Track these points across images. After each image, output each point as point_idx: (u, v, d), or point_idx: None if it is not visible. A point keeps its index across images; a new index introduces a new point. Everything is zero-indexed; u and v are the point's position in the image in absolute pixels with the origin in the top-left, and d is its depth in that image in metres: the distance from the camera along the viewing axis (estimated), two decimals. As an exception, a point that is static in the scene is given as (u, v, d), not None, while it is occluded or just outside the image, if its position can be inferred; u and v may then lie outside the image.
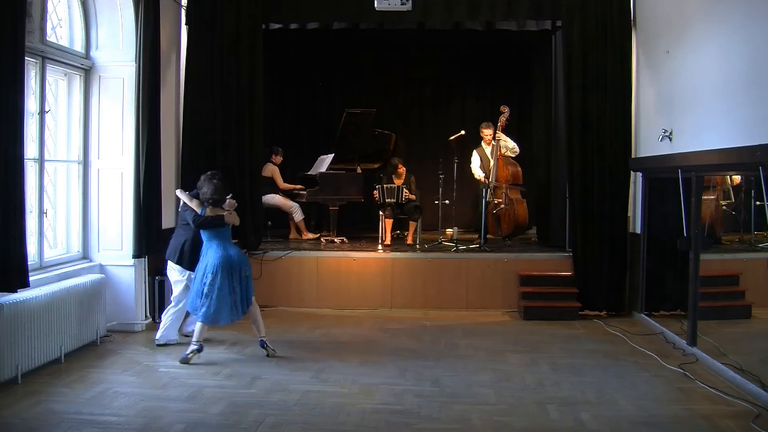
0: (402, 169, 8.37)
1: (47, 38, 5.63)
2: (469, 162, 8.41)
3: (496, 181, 8.19)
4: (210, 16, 7.39)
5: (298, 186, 8.65)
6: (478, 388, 4.84)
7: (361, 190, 8.39)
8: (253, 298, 5.62)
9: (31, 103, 5.43)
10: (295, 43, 9.34)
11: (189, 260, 5.69)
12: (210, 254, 5.47)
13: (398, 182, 8.35)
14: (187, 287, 5.75)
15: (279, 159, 8.64)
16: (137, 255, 6.26)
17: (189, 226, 5.62)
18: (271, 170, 8.51)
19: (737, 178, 6.67)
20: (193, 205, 5.59)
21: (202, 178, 5.64)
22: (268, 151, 8.48)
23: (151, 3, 6.25)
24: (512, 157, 8.33)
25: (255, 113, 7.53)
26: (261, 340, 5.61)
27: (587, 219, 7.22)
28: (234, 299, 5.43)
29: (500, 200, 8.24)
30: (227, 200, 5.66)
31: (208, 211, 5.53)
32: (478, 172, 8.34)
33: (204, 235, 5.55)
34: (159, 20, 6.42)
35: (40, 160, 5.59)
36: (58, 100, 6.12)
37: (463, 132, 8.25)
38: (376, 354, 5.70)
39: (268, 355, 5.54)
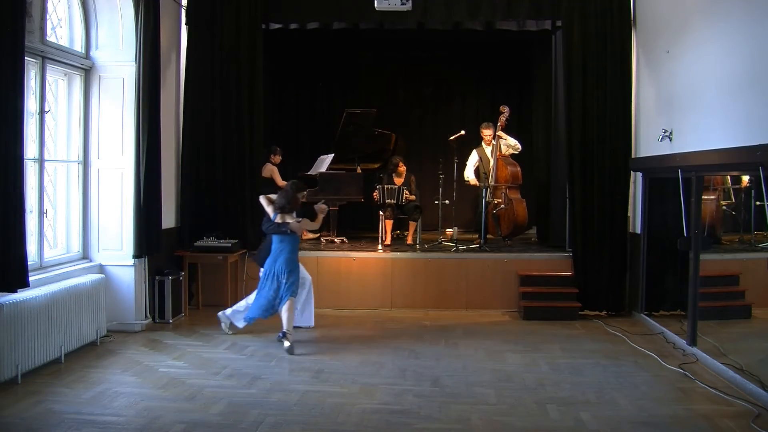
0: (402, 168, 8.37)
1: (47, 38, 5.63)
2: (467, 162, 8.42)
3: (495, 181, 8.20)
4: (210, 16, 7.40)
5: (298, 186, 8.64)
6: (478, 388, 4.84)
7: (361, 190, 8.39)
8: (291, 298, 5.84)
9: (31, 103, 5.42)
10: (295, 43, 9.34)
11: (260, 259, 6.14)
12: (269, 258, 5.93)
13: (399, 181, 8.35)
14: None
15: (278, 159, 8.63)
16: (137, 255, 6.26)
17: None
18: (270, 170, 8.50)
19: (745, 180, 6.66)
20: (269, 210, 5.91)
21: (286, 185, 6.11)
22: (267, 151, 8.48)
23: (151, 3, 6.25)
24: (513, 156, 8.34)
25: (255, 113, 7.53)
26: (282, 332, 5.80)
27: (587, 219, 7.22)
28: (268, 301, 5.86)
29: (500, 200, 8.24)
30: (317, 205, 6.17)
31: (278, 218, 5.83)
32: (470, 176, 8.34)
33: (272, 239, 5.95)
34: (159, 20, 6.42)
35: (40, 160, 5.59)
36: (58, 100, 6.12)
37: (463, 132, 8.25)
38: (376, 354, 5.70)
39: (287, 350, 5.65)
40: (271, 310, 5.91)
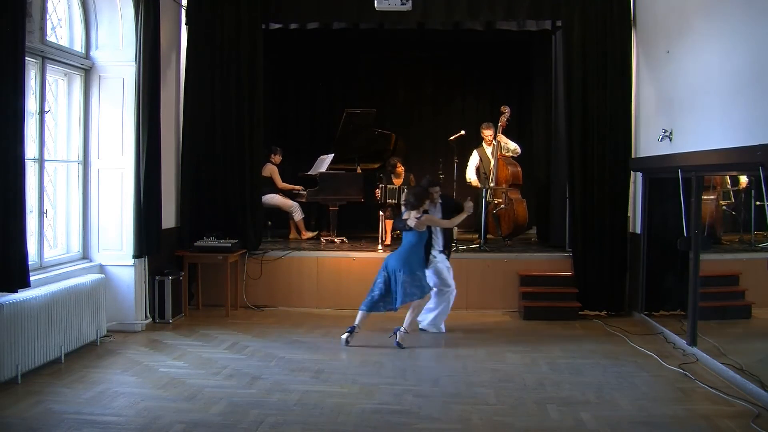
0: (401, 169, 8.38)
1: (47, 38, 5.63)
2: (468, 162, 8.41)
3: (496, 181, 8.19)
4: (210, 16, 7.40)
5: (297, 186, 8.66)
6: (478, 388, 4.84)
7: (361, 190, 8.39)
8: (416, 301, 5.84)
9: (31, 103, 5.42)
10: (295, 43, 9.34)
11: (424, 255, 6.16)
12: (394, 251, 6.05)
13: (397, 182, 8.35)
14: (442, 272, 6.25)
15: (278, 159, 8.65)
16: (137, 255, 6.26)
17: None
18: (270, 170, 8.52)
19: (744, 181, 6.66)
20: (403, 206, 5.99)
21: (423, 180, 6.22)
22: (267, 151, 8.50)
23: (151, 3, 6.25)
24: (513, 157, 8.34)
25: (255, 113, 7.53)
26: (397, 327, 5.93)
27: (587, 219, 7.22)
28: (379, 295, 5.89)
29: (500, 200, 8.24)
30: (466, 202, 6.14)
31: (405, 214, 5.86)
32: (471, 176, 8.33)
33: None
34: (159, 20, 6.41)
35: (40, 160, 5.59)
36: (58, 100, 6.12)
37: (463, 132, 8.25)
38: (376, 354, 5.70)
39: (396, 344, 5.84)
40: (380, 303, 5.89)
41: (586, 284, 7.19)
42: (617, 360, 5.53)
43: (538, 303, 7.06)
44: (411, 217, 5.81)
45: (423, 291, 5.87)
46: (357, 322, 5.97)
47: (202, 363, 5.40)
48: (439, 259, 6.26)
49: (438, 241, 6.26)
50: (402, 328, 5.93)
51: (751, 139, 4.55)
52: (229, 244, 7.07)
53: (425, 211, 5.98)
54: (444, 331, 6.38)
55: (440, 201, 6.28)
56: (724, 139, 5.02)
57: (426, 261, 6.10)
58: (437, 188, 6.14)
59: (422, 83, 10.48)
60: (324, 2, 7.46)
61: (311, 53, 10.06)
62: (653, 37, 6.80)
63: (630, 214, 7.26)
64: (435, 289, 6.19)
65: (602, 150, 7.21)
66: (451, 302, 6.36)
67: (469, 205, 6.17)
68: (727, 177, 6.79)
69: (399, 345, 5.85)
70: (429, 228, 6.03)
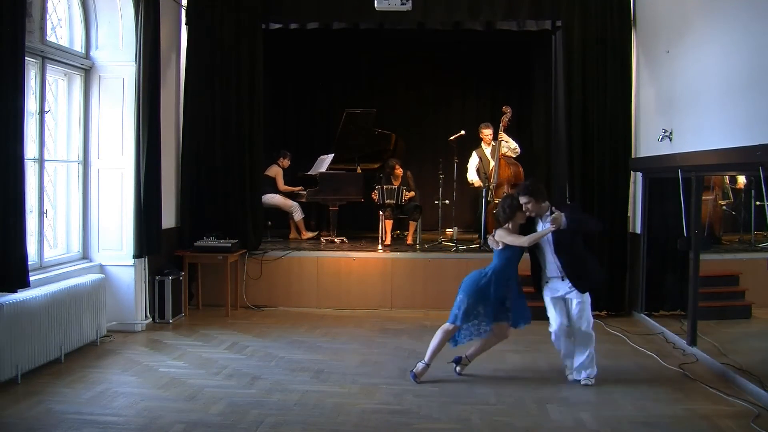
0: (399, 170, 8.38)
1: (47, 38, 5.63)
2: (468, 163, 8.41)
3: (498, 180, 8.18)
4: (210, 16, 7.40)
5: (298, 188, 8.67)
6: (478, 388, 4.84)
7: (361, 190, 8.39)
8: (448, 325, 4.87)
9: (31, 103, 5.42)
10: (295, 43, 9.34)
11: (532, 279, 5.17)
12: None
13: (396, 183, 8.36)
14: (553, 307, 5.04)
15: (286, 163, 8.71)
16: (137, 255, 6.26)
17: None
18: (275, 171, 8.59)
19: (742, 182, 6.66)
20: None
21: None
22: (275, 154, 8.56)
23: (151, 3, 6.24)
24: (513, 157, 8.33)
25: (255, 113, 7.53)
26: (458, 356, 5.12)
27: (587, 219, 7.21)
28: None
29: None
30: (554, 215, 4.67)
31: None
32: (473, 177, 8.32)
33: None
34: (159, 20, 6.41)
35: (40, 160, 5.59)
36: (58, 100, 6.12)
37: (462, 132, 8.25)
38: (376, 354, 5.70)
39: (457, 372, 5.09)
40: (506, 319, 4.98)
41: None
42: (617, 360, 5.54)
43: (539, 303, 7.02)
44: (490, 235, 4.98)
45: (454, 320, 4.83)
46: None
47: (202, 363, 5.40)
48: (552, 288, 4.98)
49: (551, 265, 4.88)
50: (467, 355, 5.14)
51: (751, 139, 4.55)
52: (229, 244, 7.07)
53: (527, 224, 4.91)
54: (576, 378, 4.99)
55: (548, 213, 4.80)
56: (724, 139, 5.02)
57: (537, 287, 5.10)
58: (525, 198, 4.76)
59: (422, 83, 10.47)
60: (324, 2, 7.46)
61: (311, 53, 10.06)
62: (653, 37, 6.80)
63: (630, 214, 7.26)
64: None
65: (602, 150, 7.20)
66: (558, 344, 5.08)
67: (555, 216, 4.66)
68: (727, 178, 6.79)
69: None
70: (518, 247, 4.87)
